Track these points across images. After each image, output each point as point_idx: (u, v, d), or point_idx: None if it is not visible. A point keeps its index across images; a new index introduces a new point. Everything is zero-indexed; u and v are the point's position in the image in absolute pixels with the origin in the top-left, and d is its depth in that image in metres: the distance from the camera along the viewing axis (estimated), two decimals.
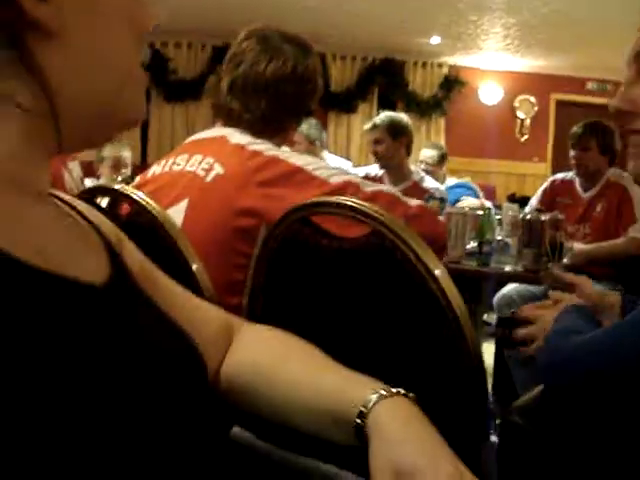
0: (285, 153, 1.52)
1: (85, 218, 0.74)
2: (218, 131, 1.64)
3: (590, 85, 10.06)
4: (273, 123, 1.65)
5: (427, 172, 4.90)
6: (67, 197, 0.75)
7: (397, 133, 3.93)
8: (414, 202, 1.54)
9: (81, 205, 0.76)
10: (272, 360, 0.85)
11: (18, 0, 0.56)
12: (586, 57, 8.74)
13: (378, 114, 4.24)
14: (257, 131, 1.60)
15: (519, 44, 8.30)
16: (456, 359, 1.10)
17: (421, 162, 5.02)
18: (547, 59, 9.04)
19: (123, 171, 4.39)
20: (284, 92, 1.62)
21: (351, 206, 1.15)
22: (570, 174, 3.89)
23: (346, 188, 1.44)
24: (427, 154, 5.07)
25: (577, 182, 3.83)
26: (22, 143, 0.61)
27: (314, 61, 1.68)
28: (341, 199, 1.19)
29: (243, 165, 1.49)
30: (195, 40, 8.71)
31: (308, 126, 4.34)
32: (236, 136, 1.57)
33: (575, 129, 3.77)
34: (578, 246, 3.38)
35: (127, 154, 4.55)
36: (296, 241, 1.26)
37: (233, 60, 1.64)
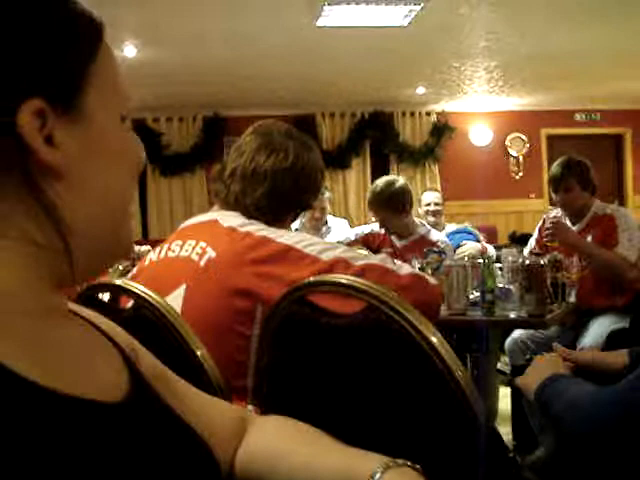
0: (275, 232, 1.55)
1: (99, 329, 0.76)
2: (211, 215, 1.68)
3: (578, 116, 10.17)
4: (268, 213, 1.67)
5: (434, 214, 4.79)
6: (75, 307, 0.77)
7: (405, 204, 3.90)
8: (404, 271, 1.56)
9: (90, 314, 0.79)
10: (283, 446, 0.89)
11: (30, 147, 0.60)
12: (571, 90, 8.87)
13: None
14: (251, 218, 1.63)
15: (503, 85, 8.43)
16: (464, 423, 1.12)
17: (428, 204, 4.86)
18: (532, 96, 9.17)
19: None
20: (282, 184, 1.65)
21: (345, 284, 1.18)
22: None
23: (337, 264, 1.47)
24: (431, 197, 4.92)
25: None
26: (38, 277, 0.64)
27: (315, 157, 1.71)
28: (335, 277, 1.22)
29: (234, 246, 1.52)
30: (186, 113, 8.88)
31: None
32: (229, 219, 1.61)
33: (553, 171, 3.79)
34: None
35: None
36: (295, 320, 1.28)
37: (237, 151, 1.70)
